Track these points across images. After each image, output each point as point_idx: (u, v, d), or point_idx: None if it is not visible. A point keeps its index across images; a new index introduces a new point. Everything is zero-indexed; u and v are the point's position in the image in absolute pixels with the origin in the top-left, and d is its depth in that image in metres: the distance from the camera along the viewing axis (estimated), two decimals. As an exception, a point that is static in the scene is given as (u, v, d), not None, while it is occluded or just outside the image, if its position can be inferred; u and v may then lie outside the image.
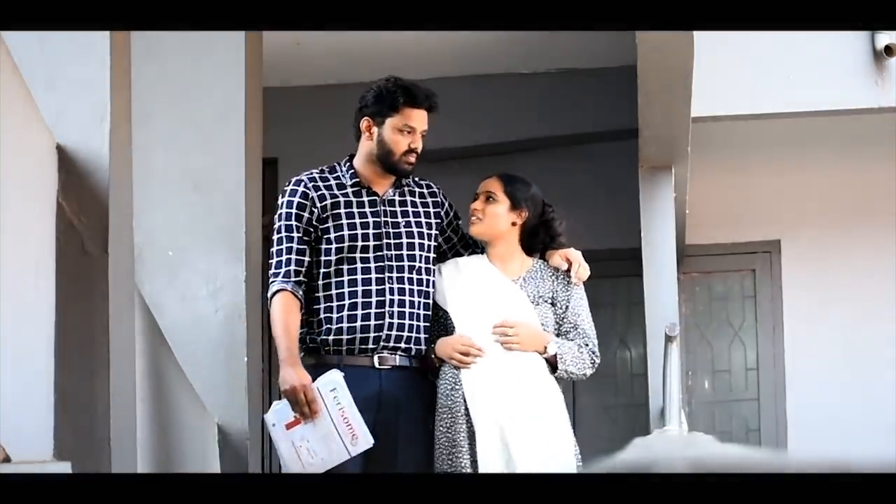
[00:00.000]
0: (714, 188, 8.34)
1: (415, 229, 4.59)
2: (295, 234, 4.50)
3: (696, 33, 5.42)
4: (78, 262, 3.89)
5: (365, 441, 4.32)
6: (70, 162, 3.89)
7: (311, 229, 4.51)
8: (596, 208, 7.69)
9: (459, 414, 4.47)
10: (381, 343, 4.46)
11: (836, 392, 8.25)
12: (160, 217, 5.22)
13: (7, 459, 3.39)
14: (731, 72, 6.91)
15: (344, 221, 4.50)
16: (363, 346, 4.45)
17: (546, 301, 4.66)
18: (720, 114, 7.00)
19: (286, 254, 4.50)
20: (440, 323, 4.67)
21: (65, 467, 3.59)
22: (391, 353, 4.48)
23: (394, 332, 4.48)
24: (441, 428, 4.51)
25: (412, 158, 4.56)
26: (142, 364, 4.52)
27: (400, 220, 4.58)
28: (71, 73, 3.92)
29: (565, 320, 4.66)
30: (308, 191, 4.54)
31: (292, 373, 4.33)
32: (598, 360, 4.68)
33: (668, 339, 5.89)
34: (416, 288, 4.54)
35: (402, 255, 4.53)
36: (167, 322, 5.11)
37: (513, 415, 4.45)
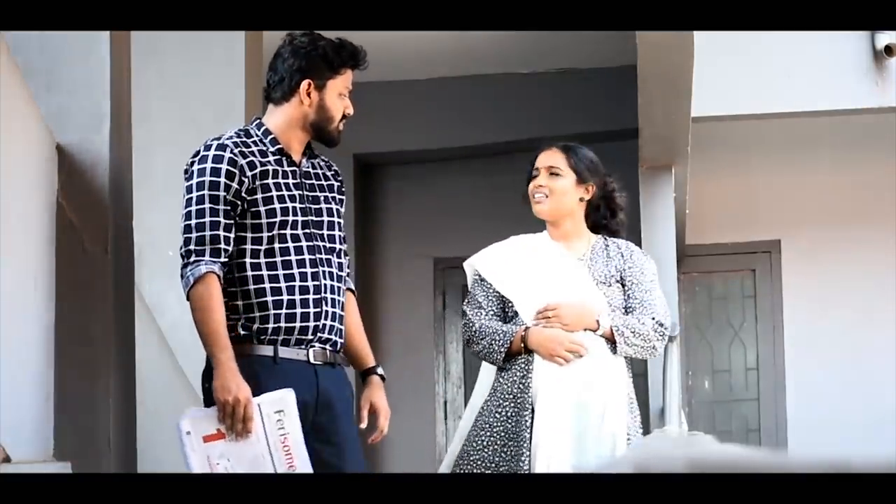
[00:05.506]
0: (714, 188, 8.34)
1: (334, 206, 3.98)
2: (221, 207, 3.75)
3: (696, 33, 5.42)
4: (78, 262, 3.89)
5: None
6: (70, 162, 3.88)
7: (239, 202, 3.78)
8: (596, 208, 7.68)
9: (525, 405, 4.17)
10: (318, 334, 3.85)
11: (836, 392, 8.25)
12: (160, 217, 5.22)
13: (7, 459, 3.39)
14: (731, 72, 6.91)
15: (273, 193, 3.83)
16: (301, 336, 3.82)
17: (616, 281, 4.35)
18: (720, 114, 7.00)
19: (211, 228, 3.74)
20: (499, 308, 4.34)
21: (65, 467, 3.60)
22: (322, 347, 3.87)
23: (328, 323, 3.87)
24: (499, 416, 4.20)
25: (342, 126, 3.96)
26: (142, 364, 4.52)
27: (319, 194, 3.95)
28: (71, 73, 3.92)
29: (631, 297, 4.35)
30: (235, 157, 3.78)
31: (234, 383, 3.67)
32: (666, 332, 4.34)
33: (669, 339, 5.88)
34: (339, 273, 3.94)
35: (323, 235, 3.91)
36: (167, 322, 5.11)
37: (577, 406, 4.16)
